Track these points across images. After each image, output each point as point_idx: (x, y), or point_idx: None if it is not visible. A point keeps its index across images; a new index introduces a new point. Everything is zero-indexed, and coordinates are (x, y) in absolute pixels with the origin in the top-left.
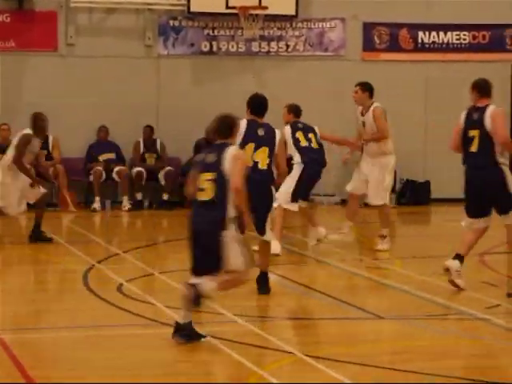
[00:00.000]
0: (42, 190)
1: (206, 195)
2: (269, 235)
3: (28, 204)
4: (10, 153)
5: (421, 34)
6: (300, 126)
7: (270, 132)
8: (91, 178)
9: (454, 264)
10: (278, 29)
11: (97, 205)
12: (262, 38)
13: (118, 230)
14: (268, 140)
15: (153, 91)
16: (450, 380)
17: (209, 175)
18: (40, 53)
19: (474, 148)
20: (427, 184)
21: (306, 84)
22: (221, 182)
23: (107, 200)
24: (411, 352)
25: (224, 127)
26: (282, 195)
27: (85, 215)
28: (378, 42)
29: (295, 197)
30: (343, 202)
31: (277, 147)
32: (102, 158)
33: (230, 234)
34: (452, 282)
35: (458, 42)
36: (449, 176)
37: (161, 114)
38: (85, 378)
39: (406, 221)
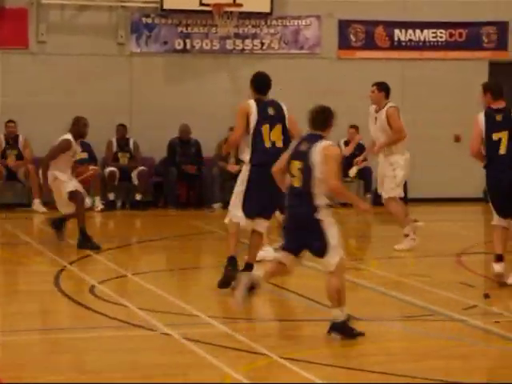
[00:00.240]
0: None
1: (297, 182)
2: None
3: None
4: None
5: (397, 31)
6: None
7: (279, 108)
8: None
9: (501, 266)
10: (253, 26)
11: None
12: (237, 35)
13: (91, 231)
14: (279, 117)
15: (126, 90)
16: (428, 381)
17: (298, 163)
18: (10, 50)
19: (502, 150)
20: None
21: (281, 82)
22: (307, 173)
23: None
24: (388, 354)
25: (321, 119)
26: None
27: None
28: (353, 39)
29: None
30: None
31: (287, 121)
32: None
33: (326, 220)
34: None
35: (434, 39)
36: (426, 176)
37: (134, 113)
38: (56, 381)
39: (382, 221)
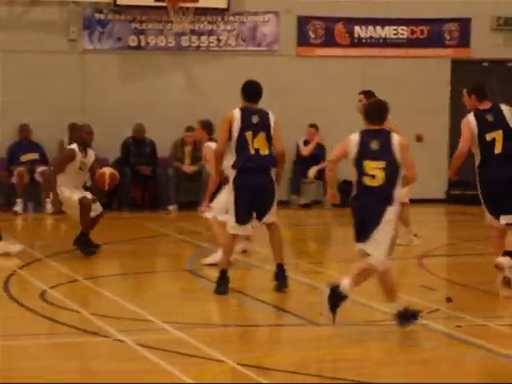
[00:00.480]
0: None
1: (376, 182)
2: (270, 217)
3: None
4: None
5: (357, 28)
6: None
7: (264, 117)
8: (14, 179)
9: (506, 260)
10: (209, 23)
11: (19, 207)
12: (193, 32)
13: (42, 234)
14: (263, 125)
15: (78, 88)
16: None
17: (377, 163)
18: None
19: (498, 149)
20: None
21: (238, 80)
22: (390, 170)
23: (30, 202)
24: (346, 359)
25: (377, 112)
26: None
27: (6, 218)
28: (312, 36)
29: None
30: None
31: (272, 130)
32: (24, 158)
33: (392, 216)
34: (505, 279)
35: (395, 36)
36: None
37: (87, 112)
38: None
39: (342, 223)
